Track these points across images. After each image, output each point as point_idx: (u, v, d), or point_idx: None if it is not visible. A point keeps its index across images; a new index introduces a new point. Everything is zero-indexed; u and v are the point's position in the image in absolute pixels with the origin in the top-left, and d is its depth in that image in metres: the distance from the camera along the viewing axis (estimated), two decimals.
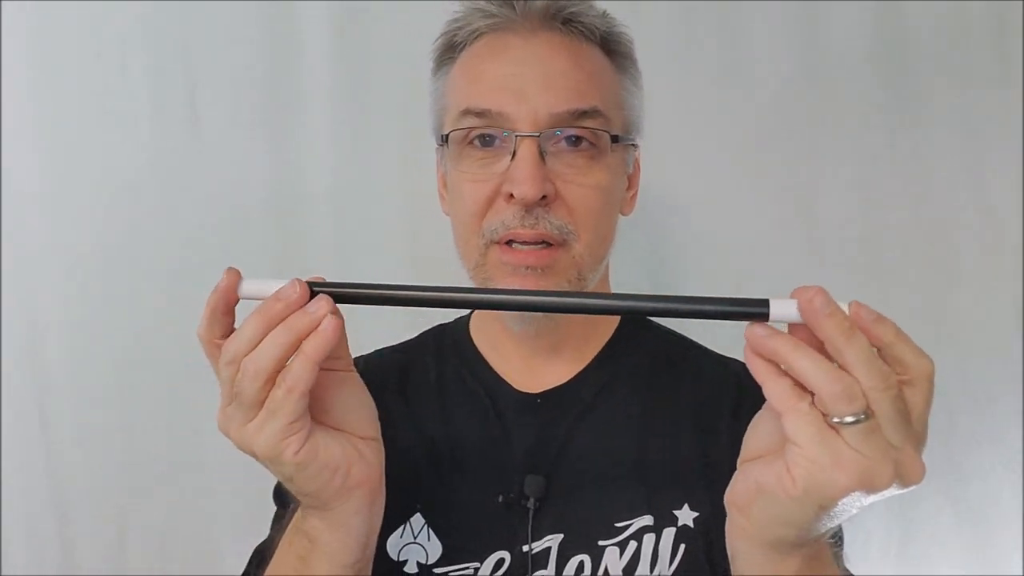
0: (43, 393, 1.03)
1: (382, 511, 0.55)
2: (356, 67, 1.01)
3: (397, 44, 1.01)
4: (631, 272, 1.01)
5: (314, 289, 0.47)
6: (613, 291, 0.74)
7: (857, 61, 0.98)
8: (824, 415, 0.40)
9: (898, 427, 0.40)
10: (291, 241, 1.02)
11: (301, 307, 0.46)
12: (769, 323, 0.43)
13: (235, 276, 0.48)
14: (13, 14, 1.00)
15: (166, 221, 1.02)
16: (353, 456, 0.51)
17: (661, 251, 1.01)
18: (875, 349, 0.41)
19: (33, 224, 1.02)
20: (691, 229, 1.01)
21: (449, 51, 0.66)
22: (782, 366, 0.42)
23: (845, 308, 0.41)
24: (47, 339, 1.03)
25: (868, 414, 0.40)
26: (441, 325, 0.76)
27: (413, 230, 1.02)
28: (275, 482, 0.68)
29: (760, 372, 0.42)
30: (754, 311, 0.43)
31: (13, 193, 1.02)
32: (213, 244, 1.02)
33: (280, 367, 0.46)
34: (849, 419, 0.40)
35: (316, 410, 0.49)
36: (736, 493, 0.46)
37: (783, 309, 0.42)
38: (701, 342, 0.74)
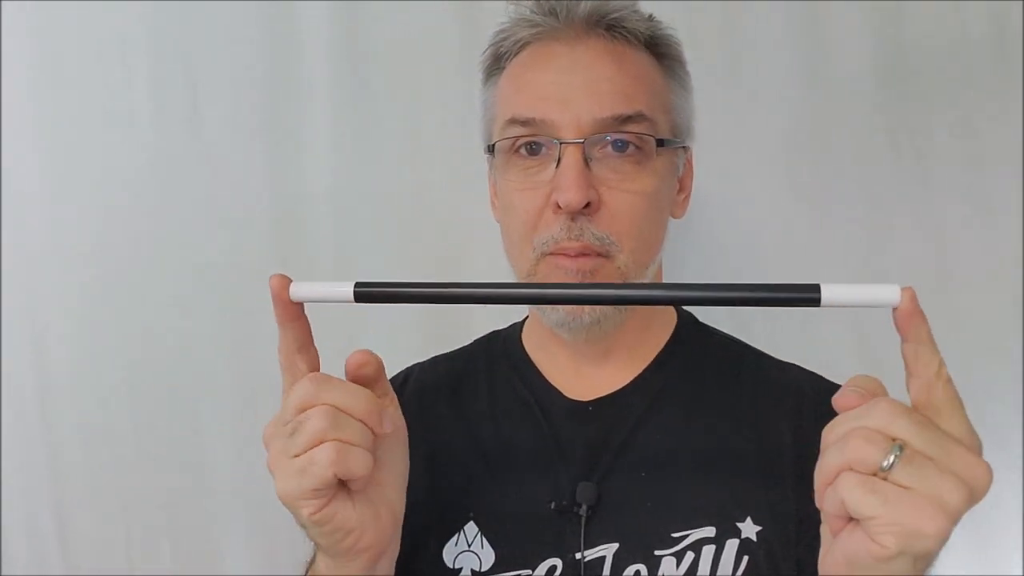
0: (43, 393, 1.03)
1: (392, 564, 0.55)
2: (356, 67, 1.01)
3: (398, 44, 1.01)
4: None
5: (358, 291, 0.46)
6: None
7: (859, 64, 0.98)
8: (873, 475, 0.40)
9: (936, 441, 0.40)
10: (291, 241, 1.02)
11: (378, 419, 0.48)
12: (821, 306, 0.42)
13: (283, 282, 0.48)
14: (13, 14, 1.00)
15: (166, 221, 1.02)
16: (369, 520, 0.50)
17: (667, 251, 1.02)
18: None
19: (33, 224, 1.02)
20: (692, 228, 1.01)
21: (496, 62, 0.66)
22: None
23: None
24: (48, 339, 1.03)
25: (901, 445, 0.39)
26: (494, 332, 0.77)
27: (414, 230, 1.02)
28: None
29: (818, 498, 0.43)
30: (805, 296, 0.42)
31: (13, 193, 1.02)
32: (213, 244, 1.02)
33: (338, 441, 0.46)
34: (890, 459, 0.39)
35: None
36: (828, 570, 0.45)
37: (835, 293, 0.41)
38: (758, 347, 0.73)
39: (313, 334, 0.51)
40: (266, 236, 1.01)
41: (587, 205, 0.59)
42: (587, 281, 0.61)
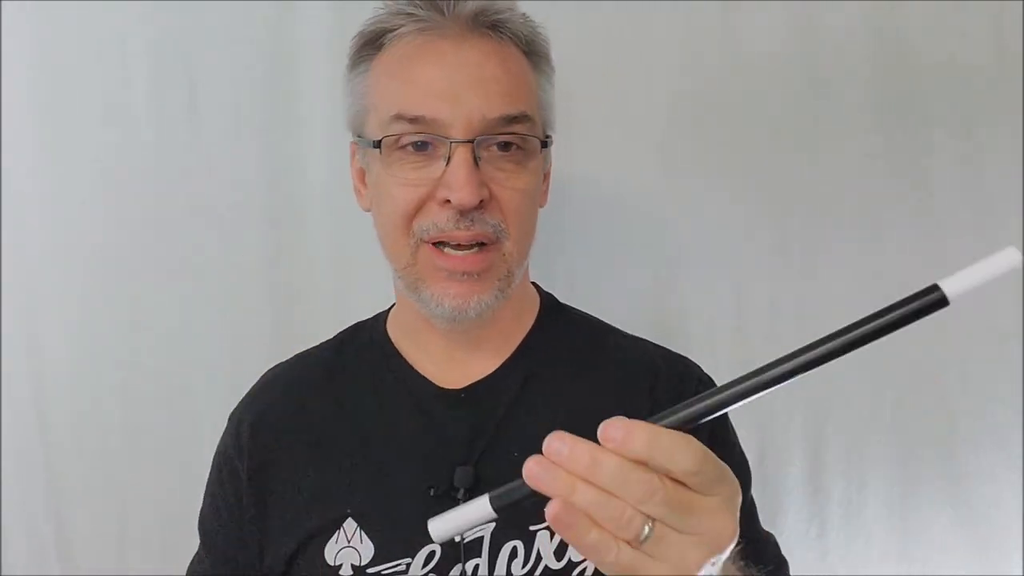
0: (41, 394, 1.03)
1: None
2: None
3: None
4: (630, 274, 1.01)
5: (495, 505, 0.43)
6: (532, 283, 0.76)
7: (854, 61, 0.98)
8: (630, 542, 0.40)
9: (683, 518, 0.40)
10: (290, 240, 1.02)
11: None
12: (946, 297, 0.40)
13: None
14: (13, 14, 1.00)
15: (166, 221, 1.01)
16: None
17: (655, 245, 1.01)
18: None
19: (33, 224, 1.02)
20: (689, 225, 1.01)
21: (370, 49, 0.66)
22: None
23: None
24: (44, 339, 1.02)
25: (651, 524, 0.39)
26: (358, 323, 0.78)
27: None
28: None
29: (563, 531, 0.40)
30: (929, 299, 0.40)
31: (13, 193, 1.02)
32: (212, 243, 1.01)
33: None
34: (644, 534, 0.39)
35: None
36: None
37: (960, 284, 0.39)
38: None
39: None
40: (264, 235, 1.01)
41: (480, 202, 0.61)
42: (476, 280, 0.63)
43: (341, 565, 0.64)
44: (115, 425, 1.03)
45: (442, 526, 0.44)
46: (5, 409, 1.03)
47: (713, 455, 0.41)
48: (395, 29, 0.64)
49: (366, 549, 0.65)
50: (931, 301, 0.39)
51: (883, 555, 1.00)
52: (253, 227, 1.02)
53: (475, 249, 0.63)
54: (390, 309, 0.75)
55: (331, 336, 0.78)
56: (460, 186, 0.60)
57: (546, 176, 0.72)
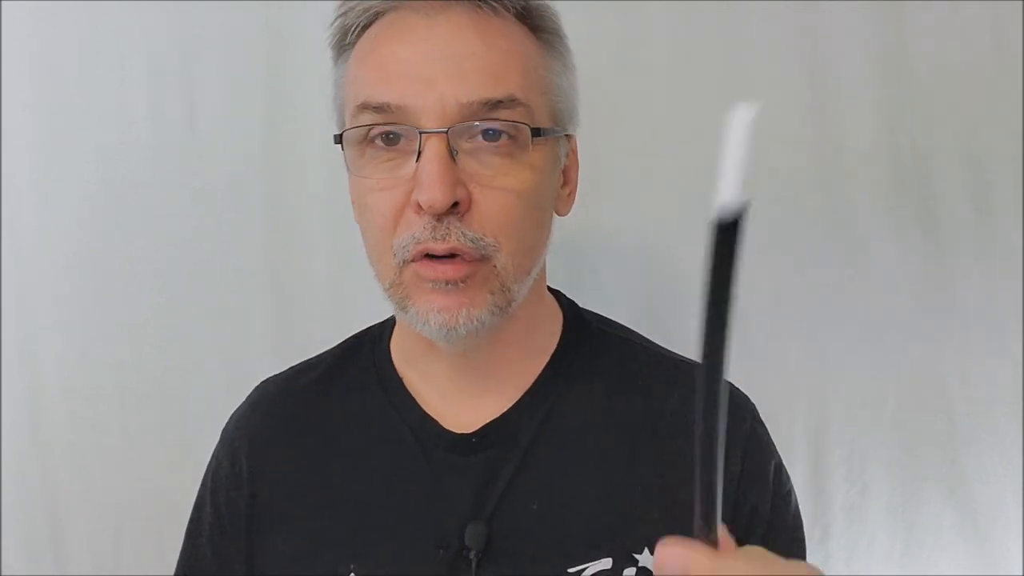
0: (37, 394, 1.02)
1: None
2: None
3: None
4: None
5: None
6: (554, 291, 0.67)
7: (855, 62, 0.98)
8: None
9: None
10: (288, 240, 1.01)
11: None
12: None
13: None
14: (13, 14, 1.00)
15: (163, 221, 1.01)
16: None
17: (653, 243, 1.01)
18: None
19: (28, 223, 1.01)
20: (683, 227, 1.01)
21: (344, 36, 0.58)
22: None
23: None
24: (41, 340, 1.02)
25: None
26: (361, 336, 0.69)
27: None
28: None
29: None
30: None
31: (10, 193, 1.01)
32: (210, 244, 1.01)
33: None
34: None
35: None
36: None
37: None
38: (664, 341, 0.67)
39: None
40: (263, 236, 1.01)
41: (455, 205, 0.52)
42: (461, 291, 0.53)
43: None
44: (111, 426, 1.02)
45: None
46: (1, 410, 1.03)
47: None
48: (363, 8, 0.56)
49: None
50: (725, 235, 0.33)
51: (885, 556, 1.00)
52: (252, 228, 1.01)
53: (457, 258, 0.53)
54: (393, 321, 0.67)
55: (332, 344, 0.71)
56: (428, 184, 0.51)
57: (567, 178, 0.62)
